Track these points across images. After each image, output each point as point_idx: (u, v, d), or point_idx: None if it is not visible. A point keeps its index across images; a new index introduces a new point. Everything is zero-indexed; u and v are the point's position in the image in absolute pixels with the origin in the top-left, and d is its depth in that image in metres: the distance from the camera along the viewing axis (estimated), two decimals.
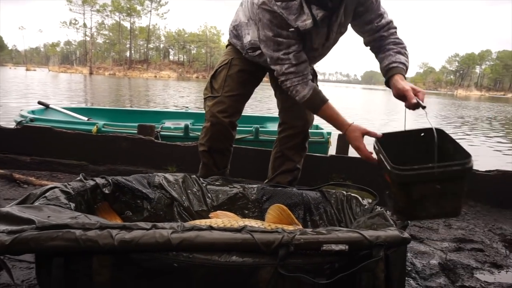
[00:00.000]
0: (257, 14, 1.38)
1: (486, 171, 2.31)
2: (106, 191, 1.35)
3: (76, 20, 65.07)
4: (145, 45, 73.78)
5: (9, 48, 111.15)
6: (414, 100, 1.27)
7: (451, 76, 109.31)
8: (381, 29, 1.48)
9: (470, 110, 20.08)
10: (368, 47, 1.57)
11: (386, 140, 1.30)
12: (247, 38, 1.61)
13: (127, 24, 67.20)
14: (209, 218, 1.37)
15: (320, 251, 0.85)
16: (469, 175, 1.12)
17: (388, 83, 1.42)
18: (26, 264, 1.24)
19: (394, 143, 1.31)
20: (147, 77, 51.07)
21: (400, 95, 1.34)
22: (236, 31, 1.70)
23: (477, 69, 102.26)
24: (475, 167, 2.38)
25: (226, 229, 0.87)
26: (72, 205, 1.15)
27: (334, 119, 1.43)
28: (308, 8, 1.33)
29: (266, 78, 1.95)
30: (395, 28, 1.50)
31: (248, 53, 1.65)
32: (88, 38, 63.74)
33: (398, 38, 1.48)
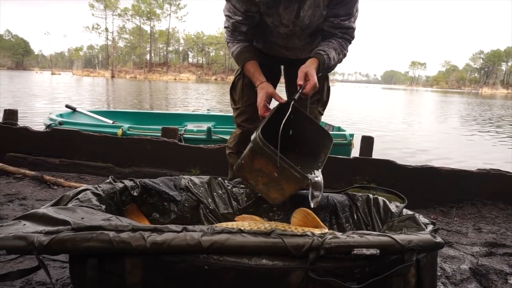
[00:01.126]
0: None
1: None
2: (134, 193, 1.38)
3: (98, 25, 66.87)
4: (165, 48, 74.96)
5: (36, 53, 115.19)
6: (299, 82, 1.36)
7: (475, 74, 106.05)
8: (339, 28, 1.47)
9: (498, 109, 19.42)
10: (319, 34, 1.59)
11: (285, 110, 1.33)
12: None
13: (147, 28, 68.48)
14: (235, 221, 1.38)
15: (351, 255, 0.84)
16: (304, 185, 1.23)
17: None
18: (59, 263, 1.28)
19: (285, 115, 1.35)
20: (167, 79, 51.85)
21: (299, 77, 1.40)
22: None
23: (503, 66, 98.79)
24: (506, 168, 2.32)
25: (256, 233, 0.87)
26: (103, 206, 1.19)
27: (251, 75, 1.54)
28: None
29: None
30: (351, 38, 1.52)
31: None
32: (109, 42, 65.34)
33: (345, 45, 1.51)
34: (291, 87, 1.79)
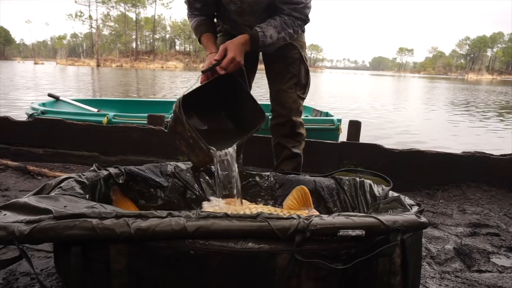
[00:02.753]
0: None
1: (500, 155, 2.27)
2: (120, 181, 1.36)
3: (81, 12, 65.23)
4: (151, 35, 73.65)
5: (17, 42, 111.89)
6: (217, 58, 1.40)
7: (462, 60, 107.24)
8: (287, 4, 1.47)
9: (485, 95, 19.73)
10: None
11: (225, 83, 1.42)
12: None
13: (132, 15, 67.08)
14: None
15: (337, 236, 0.84)
16: (210, 155, 1.33)
17: None
18: (44, 253, 1.26)
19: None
20: (153, 68, 51.12)
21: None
22: None
23: (489, 52, 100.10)
24: (490, 151, 2.35)
25: (242, 216, 0.87)
26: (87, 195, 1.16)
27: (205, 46, 1.62)
28: None
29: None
30: (302, 14, 1.51)
31: None
32: (94, 30, 63.87)
33: (290, 23, 1.51)
34: (269, 71, 1.82)
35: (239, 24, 1.67)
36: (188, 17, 1.72)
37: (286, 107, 1.76)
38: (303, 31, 1.76)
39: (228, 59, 1.38)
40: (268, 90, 1.85)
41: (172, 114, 1.37)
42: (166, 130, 2.58)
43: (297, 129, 1.83)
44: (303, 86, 1.79)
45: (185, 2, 1.67)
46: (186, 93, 1.33)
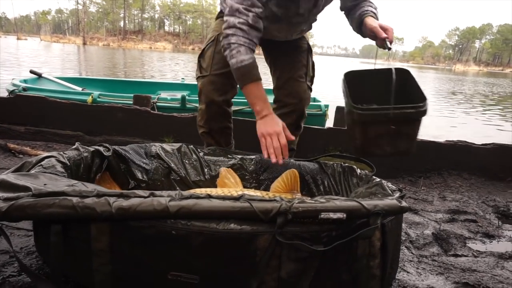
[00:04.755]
0: None
1: (481, 144, 2.32)
2: (104, 161, 1.34)
3: None
4: (140, 15, 71.83)
5: None
6: (383, 35, 1.32)
7: (450, 51, 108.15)
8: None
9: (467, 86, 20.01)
10: (343, 12, 1.58)
11: (352, 79, 1.31)
12: None
13: None
14: (208, 187, 1.38)
15: (318, 219, 0.85)
16: (422, 117, 1.18)
17: (360, 30, 1.47)
18: (24, 232, 1.24)
19: (360, 81, 1.33)
20: (142, 48, 50.05)
21: (371, 34, 1.38)
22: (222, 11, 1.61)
23: (477, 44, 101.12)
24: (472, 141, 2.40)
25: (225, 198, 0.87)
26: (68, 173, 1.15)
27: (263, 100, 1.32)
28: None
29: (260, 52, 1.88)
30: None
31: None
32: (80, 7, 61.86)
33: (372, 3, 1.50)
34: (277, 59, 1.74)
35: (269, 30, 1.52)
36: (243, 46, 1.29)
37: (297, 97, 1.67)
38: None
39: (392, 32, 1.36)
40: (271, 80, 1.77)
41: (359, 130, 1.19)
42: (152, 111, 2.54)
43: (301, 122, 1.78)
44: (311, 78, 1.75)
45: (239, 26, 1.29)
46: (349, 97, 1.20)
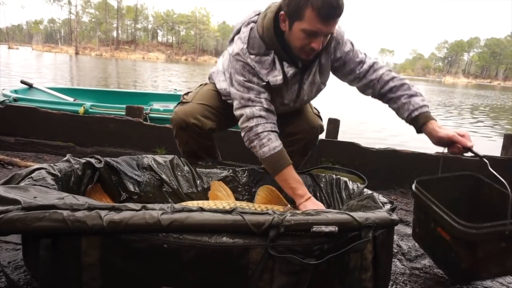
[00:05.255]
0: (230, 62, 1.37)
1: (471, 156, 2.35)
2: (95, 172, 1.33)
3: None
4: (133, 25, 72.08)
5: None
6: (469, 144, 1.20)
7: (440, 63, 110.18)
8: (366, 74, 1.42)
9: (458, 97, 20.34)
10: (371, 97, 1.49)
11: (423, 187, 1.24)
12: (221, 85, 1.53)
13: (113, 3, 65.40)
14: (200, 200, 1.37)
15: (310, 232, 0.85)
16: None
17: (419, 131, 1.34)
18: (12, 245, 1.22)
19: (431, 188, 1.24)
20: (134, 58, 50.07)
21: (444, 143, 1.25)
22: (212, 78, 1.62)
23: (465, 56, 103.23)
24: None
25: (217, 211, 0.87)
26: (59, 186, 1.13)
27: (302, 183, 1.31)
28: (280, 64, 1.33)
29: None
30: (383, 67, 1.44)
31: (225, 97, 1.55)
32: (73, 16, 61.88)
33: (393, 78, 1.40)
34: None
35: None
36: (272, 132, 1.31)
37: (306, 125, 1.62)
38: None
39: (468, 137, 1.23)
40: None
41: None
42: (144, 122, 2.54)
43: (309, 150, 1.71)
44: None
45: (257, 116, 1.31)
46: (434, 204, 1.12)
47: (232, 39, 1.39)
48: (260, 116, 1.31)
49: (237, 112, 1.36)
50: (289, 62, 1.34)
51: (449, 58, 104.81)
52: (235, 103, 1.37)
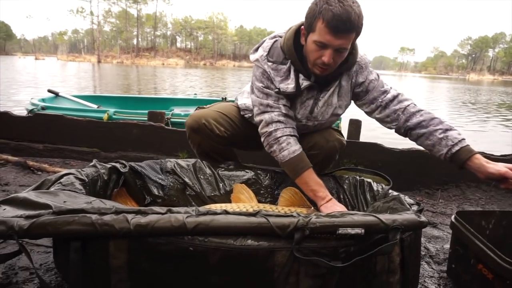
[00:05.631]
0: (252, 70, 1.41)
1: (501, 156, 2.27)
2: (120, 177, 1.36)
3: (83, 8, 65.07)
4: (152, 32, 73.58)
5: (18, 38, 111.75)
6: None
7: (463, 60, 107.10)
8: (389, 103, 1.37)
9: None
10: (395, 131, 1.42)
11: (463, 219, 1.16)
12: (243, 100, 1.57)
13: (133, 11, 66.99)
14: (223, 203, 1.38)
15: (336, 234, 0.84)
16: None
17: (462, 167, 1.25)
18: (43, 248, 1.26)
19: (472, 222, 1.18)
20: (154, 64, 51.01)
21: (494, 178, 1.18)
22: (237, 99, 1.65)
23: (490, 53, 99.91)
24: (490, 152, 2.35)
25: (241, 213, 0.87)
26: (86, 190, 1.17)
27: (323, 185, 1.29)
28: (295, 74, 1.34)
29: None
30: (409, 99, 1.38)
31: (244, 112, 1.57)
32: (95, 26, 63.75)
33: (421, 111, 1.34)
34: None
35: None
36: (291, 137, 1.32)
37: (323, 140, 1.56)
38: None
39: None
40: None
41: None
42: (166, 127, 2.58)
43: (328, 164, 1.63)
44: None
45: (277, 121, 1.33)
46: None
47: (257, 49, 1.41)
48: (279, 121, 1.33)
49: (256, 119, 1.38)
50: (306, 75, 1.34)
51: (473, 55, 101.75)
52: (255, 110, 1.39)
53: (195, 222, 0.84)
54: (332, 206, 1.23)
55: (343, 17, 1.15)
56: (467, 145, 1.25)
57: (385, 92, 1.39)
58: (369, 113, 1.45)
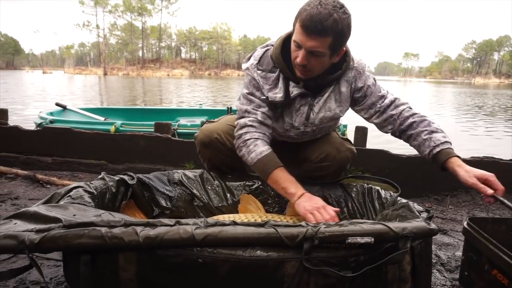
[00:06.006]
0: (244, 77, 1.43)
1: (510, 160, 2.25)
2: (128, 189, 1.37)
3: (89, 22, 66.03)
4: (157, 44, 74.44)
5: (26, 52, 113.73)
6: (489, 192, 1.13)
7: (468, 64, 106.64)
8: (387, 108, 1.38)
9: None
10: (390, 134, 1.43)
11: (476, 225, 1.14)
12: None
13: (138, 24, 67.93)
14: (231, 213, 1.38)
15: (345, 244, 0.84)
16: None
17: (442, 168, 1.26)
18: (53, 262, 1.26)
19: (485, 228, 1.15)
20: (160, 76, 51.51)
21: (467, 183, 1.17)
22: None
23: (495, 56, 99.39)
24: (499, 156, 2.33)
25: (250, 224, 0.87)
26: (95, 203, 1.17)
27: (293, 181, 1.25)
28: (284, 83, 1.34)
29: None
30: (405, 103, 1.39)
31: None
32: (101, 39, 64.68)
33: (414, 115, 1.35)
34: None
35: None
36: (259, 139, 1.32)
37: (333, 149, 1.55)
38: None
39: (496, 183, 1.16)
40: None
41: None
42: (173, 138, 2.59)
43: (339, 174, 1.61)
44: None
45: (249, 125, 1.34)
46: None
47: (249, 58, 1.43)
48: (251, 126, 1.34)
49: (235, 123, 1.40)
50: (295, 82, 1.34)
51: (478, 59, 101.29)
52: (236, 115, 1.41)
53: (204, 233, 0.84)
54: (306, 201, 1.18)
55: (316, 18, 1.14)
56: (448, 147, 1.25)
57: (383, 97, 1.40)
58: (367, 119, 1.45)
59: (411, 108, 1.39)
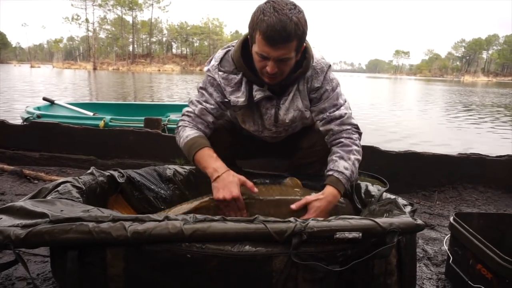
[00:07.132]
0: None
1: (496, 157, 2.29)
2: (118, 184, 1.36)
3: (78, 16, 65.06)
4: (148, 39, 73.71)
5: (13, 46, 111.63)
6: (293, 207, 1.22)
7: (457, 63, 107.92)
8: (333, 120, 1.36)
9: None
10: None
11: (462, 221, 1.17)
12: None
13: (129, 18, 67.15)
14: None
15: (334, 239, 0.85)
16: None
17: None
18: (40, 258, 1.25)
19: (471, 224, 1.17)
20: (150, 71, 50.99)
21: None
22: None
23: (484, 55, 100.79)
24: (486, 153, 2.37)
25: (239, 220, 0.87)
26: (84, 198, 1.16)
27: (214, 158, 1.25)
28: (247, 86, 1.33)
29: None
30: (351, 124, 1.37)
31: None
32: (90, 34, 63.77)
33: (348, 138, 1.34)
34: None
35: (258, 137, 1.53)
36: (188, 127, 1.35)
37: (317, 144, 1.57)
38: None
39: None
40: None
41: None
42: (163, 133, 2.58)
43: None
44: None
45: (188, 113, 1.38)
46: None
47: (210, 60, 1.40)
48: (187, 115, 1.38)
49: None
50: (259, 85, 1.33)
51: (467, 57, 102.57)
52: None
53: (193, 228, 0.84)
54: (222, 183, 1.19)
55: (277, 27, 1.10)
56: (336, 177, 1.26)
57: (335, 106, 1.37)
58: (317, 121, 1.44)
59: (351, 132, 1.36)
